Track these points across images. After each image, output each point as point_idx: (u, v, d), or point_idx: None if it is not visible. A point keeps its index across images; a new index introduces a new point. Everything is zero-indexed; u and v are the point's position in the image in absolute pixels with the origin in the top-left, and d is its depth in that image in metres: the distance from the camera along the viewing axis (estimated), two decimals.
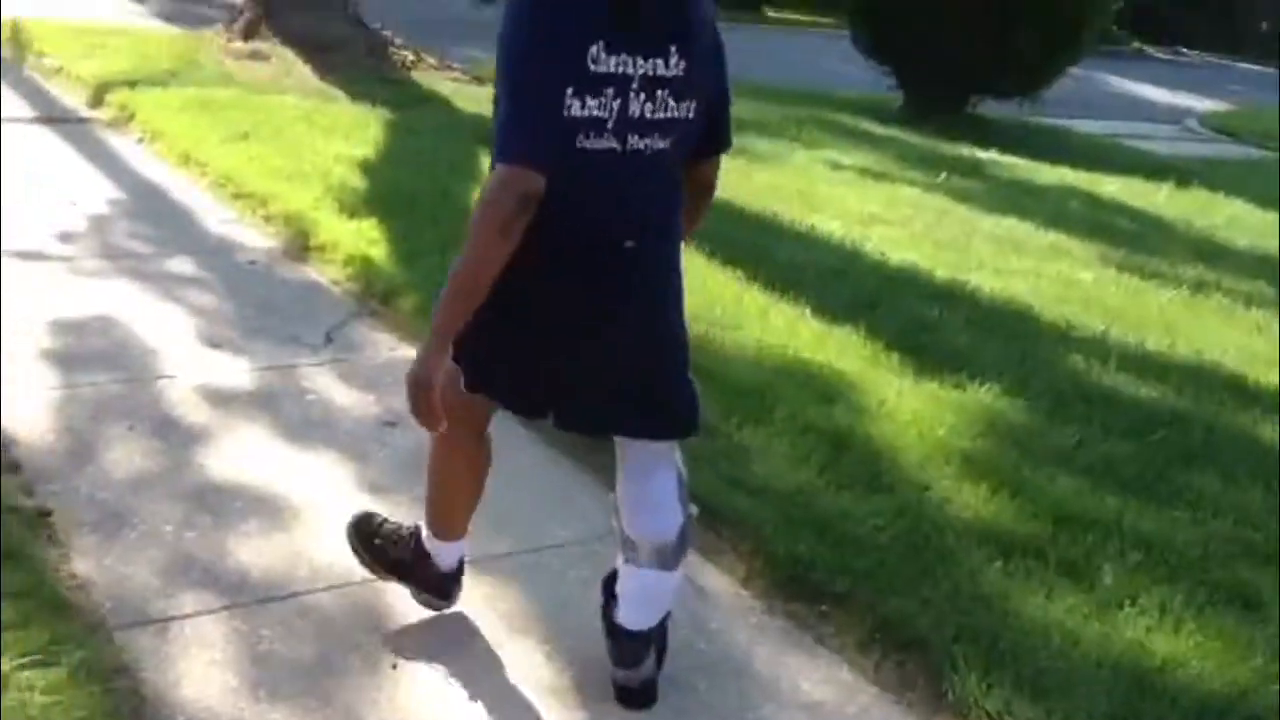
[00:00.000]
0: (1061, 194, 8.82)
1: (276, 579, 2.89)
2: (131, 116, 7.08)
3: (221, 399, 3.79)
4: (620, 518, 2.58)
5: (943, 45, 11.14)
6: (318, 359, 4.19)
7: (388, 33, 10.60)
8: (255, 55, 9.36)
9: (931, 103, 11.70)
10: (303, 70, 8.99)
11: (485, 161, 7.06)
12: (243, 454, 3.46)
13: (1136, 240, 7.53)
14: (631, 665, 2.58)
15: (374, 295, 4.77)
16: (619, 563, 2.60)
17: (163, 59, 8.72)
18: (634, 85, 2.19)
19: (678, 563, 2.57)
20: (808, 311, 4.95)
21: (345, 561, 2.89)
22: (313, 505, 3.22)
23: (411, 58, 10.28)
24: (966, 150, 10.09)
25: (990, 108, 12.26)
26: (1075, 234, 7.33)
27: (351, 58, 9.51)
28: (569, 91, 2.14)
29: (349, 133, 7.10)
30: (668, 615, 2.64)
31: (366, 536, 2.80)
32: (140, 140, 6.77)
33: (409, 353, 4.29)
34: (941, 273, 5.87)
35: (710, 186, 2.53)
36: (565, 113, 2.15)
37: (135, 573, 2.83)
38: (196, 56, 9.04)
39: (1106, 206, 8.64)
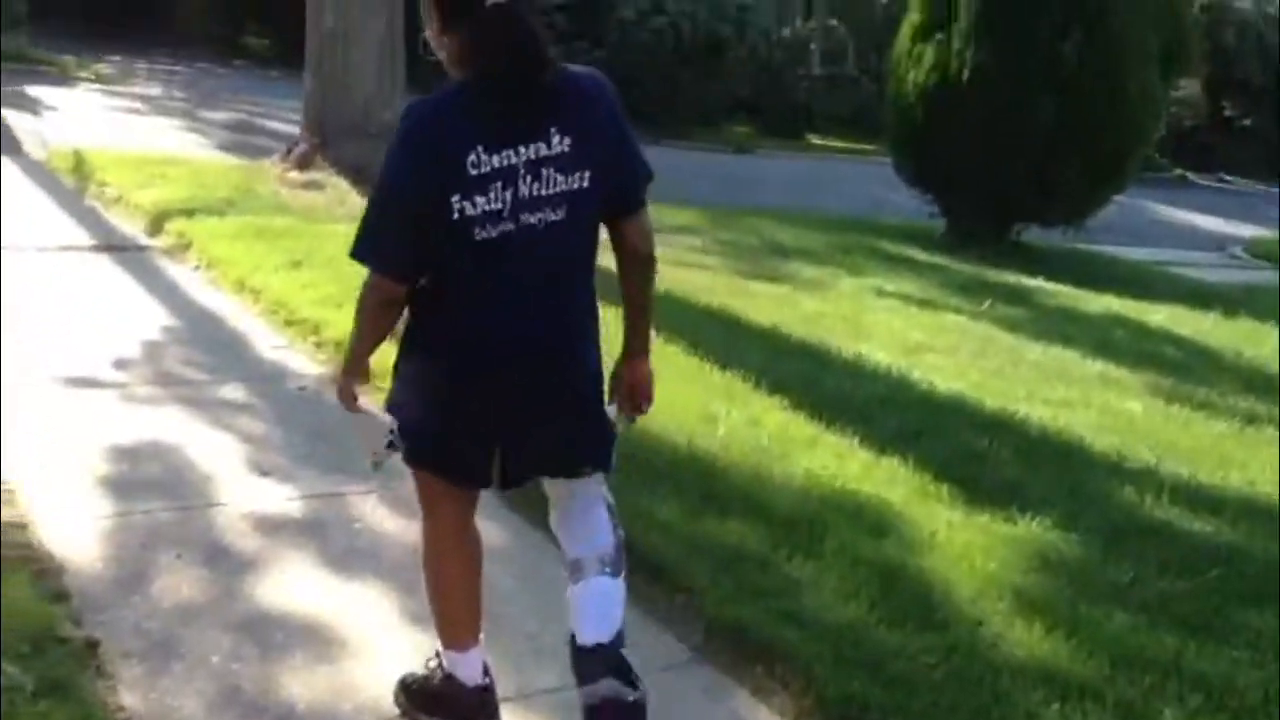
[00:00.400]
0: (1108, 322, 8.79)
1: (322, 712, 2.86)
2: (189, 244, 7.23)
3: (270, 527, 3.81)
4: (563, 547, 2.80)
5: (985, 174, 11.23)
6: (365, 487, 4.21)
7: None
8: (310, 184, 9.58)
9: (975, 230, 11.75)
10: (355, 199, 9.17)
11: None
12: (290, 583, 3.46)
13: (1185, 370, 7.47)
14: (592, 680, 2.68)
15: None
16: (570, 591, 2.75)
17: (220, 188, 8.93)
18: (521, 171, 2.47)
19: (619, 571, 2.75)
20: (856, 441, 4.93)
21: (391, 695, 2.88)
22: (360, 636, 3.21)
23: None
24: (1011, 277, 10.11)
25: (1034, 234, 12.30)
26: (1123, 363, 7.29)
27: None
28: (455, 199, 2.44)
29: None
30: (622, 640, 2.71)
31: (406, 686, 2.91)
32: (197, 268, 6.91)
33: None
34: (990, 402, 5.85)
35: (639, 251, 2.69)
36: (456, 215, 2.45)
37: (182, 705, 2.82)
38: (253, 186, 9.26)
39: (1154, 335, 8.60)
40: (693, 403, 5.08)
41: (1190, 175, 23.68)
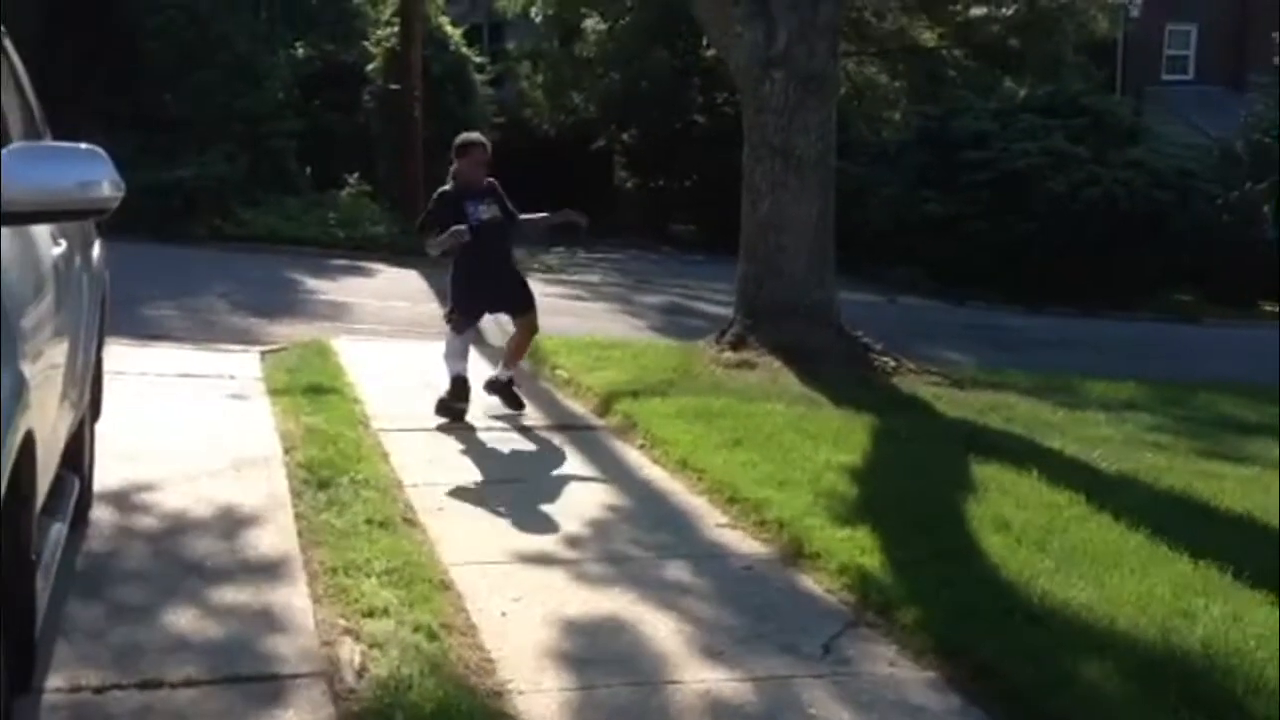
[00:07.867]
0: None
1: None
2: (634, 424, 7.53)
3: (727, 710, 3.78)
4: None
5: None
6: (815, 671, 4.13)
7: (867, 340, 10.86)
8: (743, 364, 9.83)
9: None
10: (788, 378, 9.33)
11: (975, 469, 6.81)
12: None
13: None
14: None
15: (869, 606, 4.68)
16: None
17: (660, 369, 9.34)
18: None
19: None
20: None
21: None
22: None
23: (892, 363, 10.44)
24: None
25: None
26: None
27: (835, 365, 9.78)
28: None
29: (836, 439, 7.20)
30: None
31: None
32: (642, 446, 7.16)
33: (909, 670, 4.16)
34: None
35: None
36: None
37: None
38: (690, 366, 9.62)
39: None
40: (1163, 595, 4.68)
41: None
